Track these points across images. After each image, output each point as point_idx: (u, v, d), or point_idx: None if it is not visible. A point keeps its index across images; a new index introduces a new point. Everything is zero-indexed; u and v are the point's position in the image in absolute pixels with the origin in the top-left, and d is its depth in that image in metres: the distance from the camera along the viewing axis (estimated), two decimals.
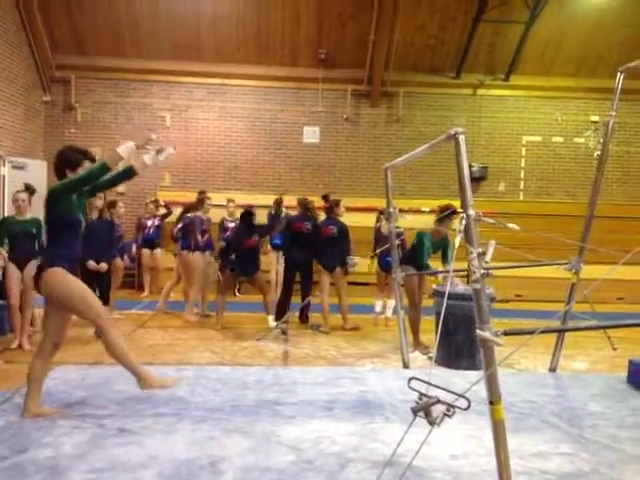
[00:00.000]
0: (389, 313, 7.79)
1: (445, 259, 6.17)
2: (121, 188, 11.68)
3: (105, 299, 6.58)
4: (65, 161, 3.67)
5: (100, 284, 6.50)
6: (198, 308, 8.01)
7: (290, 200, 9.35)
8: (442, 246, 6.16)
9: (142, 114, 11.77)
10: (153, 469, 2.81)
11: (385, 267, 7.46)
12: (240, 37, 11.31)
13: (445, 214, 5.85)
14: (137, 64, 11.47)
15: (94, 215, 6.47)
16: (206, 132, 11.84)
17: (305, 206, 7.67)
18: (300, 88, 11.94)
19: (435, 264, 6.18)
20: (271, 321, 7.20)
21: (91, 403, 3.81)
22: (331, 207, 7.57)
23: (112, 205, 7.45)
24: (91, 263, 6.29)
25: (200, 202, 8.08)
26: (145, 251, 9.83)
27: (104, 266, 6.40)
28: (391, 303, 7.82)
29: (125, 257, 8.10)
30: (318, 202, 8.55)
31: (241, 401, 3.90)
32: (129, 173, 3.79)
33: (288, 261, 7.42)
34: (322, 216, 7.83)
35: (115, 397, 3.94)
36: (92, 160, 3.74)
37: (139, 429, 3.34)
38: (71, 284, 3.46)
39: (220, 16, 10.96)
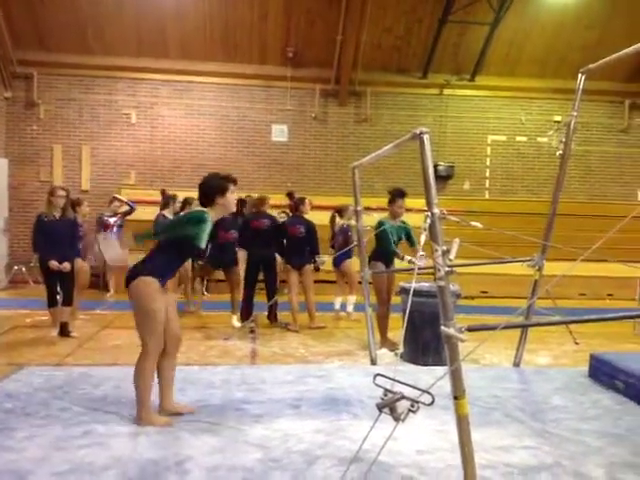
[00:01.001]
0: (349, 309, 7.84)
1: (411, 244, 6.23)
2: (85, 186, 11.50)
3: (68, 300, 6.47)
4: (214, 188, 3.58)
5: (63, 284, 6.38)
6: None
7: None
8: (404, 231, 6.22)
9: (107, 111, 11.59)
10: (117, 470, 2.77)
11: (337, 264, 7.52)
12: (207, 34, 11.22)
13: (394, 194, 6.04)
14: (102, 60, 11.29)
15: (57, 214, 6.32)
16: (172, 130, 11.72)
17: (256, 203, 7.65)
18: (268, 86, 11.91)
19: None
20: (235, 320, 7.18)
21: (55, 405, 3.74)
22: (296, 205, 7.56)
23: (77, 204, 7.30)
24: (53, 263, 6.16)
25: (166, 202, 8.04)
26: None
27: (67, 266, 6.27)
28: (351, 299, 7.87)
29: (90, 256, 7.95)
30: (286, 200, 8.55)
31: (208, 401, 3.87)
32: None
33: (249, 259, 7.37)
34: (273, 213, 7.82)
35: (79, 399, 3.87)
36: (235, 183, 3.63)
37: (104, 431, 3.28)
38: (154, 299, 3.40)
39: (186, 12, 10.84)
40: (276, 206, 9.17)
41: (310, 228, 7.34)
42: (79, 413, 3.58)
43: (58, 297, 6.44)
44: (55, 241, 6.24)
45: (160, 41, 11.16)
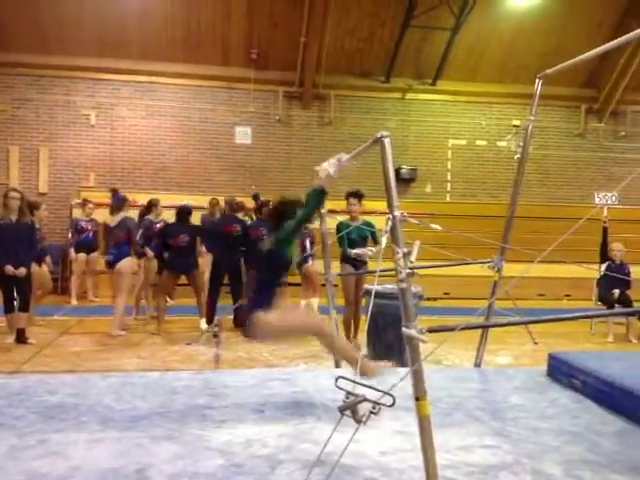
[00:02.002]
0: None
1: (377, 244, 6.29)
2: (43, 189, 11.23)
3: (25, 306, 6.31)
4: (287, 213, 3.59)
5: (20, 290, 6.22)
6: (142, 312, 7.91)
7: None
8: (369, 232, 6.29)
9: (66, 112, 11.35)
10: None
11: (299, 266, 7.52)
12: (169, 34, 11.09)
13: (346, 195, 6.40)
14: (61, 60, 11.06)
15: (13, 217, 6.16)
16: (133, 131, 11.54)
17: (233, 207, 7.60)
18: (231, 88, 11.84)
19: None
20: (203, 324, 7.10)
21: (9, 413, 3.62)
22: (260, 208, 7.54)
23: (35, 207, 7.09)
24: (9, 268, 5.99)
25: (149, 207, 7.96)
26: (81, 255, 9.37)
27: (23, 271, 6.11)
28: (314, 301, 7.88)
29: (48, 261, 7.72)
30: (251, 203, 8.50)
31: (169, 407, 3.81)
32: (322, 196, 3.52)
33: (215, 263, 7.31)
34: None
35: (35, 407, 3.75)
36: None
37: (61, 439, 3.20)
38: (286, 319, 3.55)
39: (148, 12, 10.71)
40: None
41: (244, 230, 7.35)
42: (35, 421, 3.48)
43: (15, 303, 6.26)
44: (10, 245, 6.07)
45: (121, 41, 10.98)
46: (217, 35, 11.30)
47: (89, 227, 9.40)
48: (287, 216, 3.59)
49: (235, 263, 7.32)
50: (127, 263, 6.88)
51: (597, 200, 7.89)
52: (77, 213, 9.83)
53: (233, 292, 7.41)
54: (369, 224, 6.33)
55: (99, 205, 9.41)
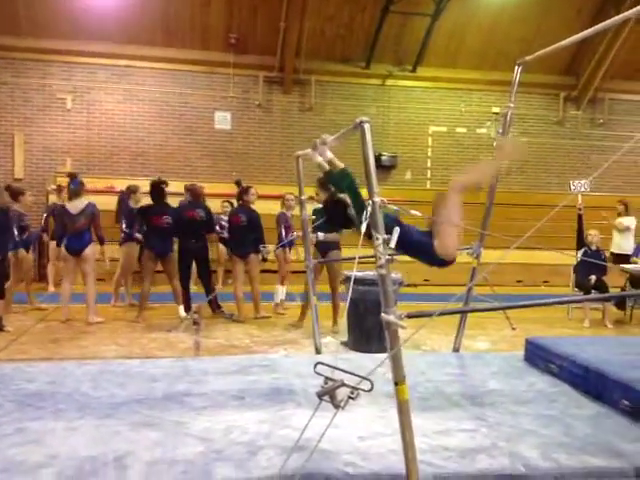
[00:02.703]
0: (277, 299, 7.84)
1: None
2: (19, 174, 11.03)
3: (1, 293, 6.21)
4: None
5: None
6: (120, 299, 7.84)
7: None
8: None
9: (41, 96, 11.13)
10: (53, 468, 2.68)
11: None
12: (147, 17, 10.90)
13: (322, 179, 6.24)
14: (34, 43, 10.81)
15: None
16: (110, 116, 11.36)
17: (195, 193, 7.52)
18: (211, 72, 11.71)
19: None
20: (182, 311, 7.06)
21: None
22: (240, 194, 7.50)
23: (19, 193, 6.96)
24: None
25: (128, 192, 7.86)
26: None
27: None
28: (280, 288, 7.86)
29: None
30: (232, 189, 8.45)
31: (149, 394, 3.79)
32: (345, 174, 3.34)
33: (181, 250, 7.24)
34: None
35: (12, 395, 3.71)
36: None
37: (38, 427, 3.16)
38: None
39: None
40: (222, 195, 9.07)
41: (252, 217, 7.28)
42: (11, 410, 3.44)
43: None
44: None
45: (97, 23, 10.75)
46: (196, 19, 11.14)
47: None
48: (338, 210, 3.41)
49: (201, 249, 7.25)
50: (92, 249, 6.91)
51: (572, 188, 7.94)
52: (53, 199, 9.65)
53: (202, 278, 7.40)
54: None
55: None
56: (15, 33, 10.67)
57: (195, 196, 7.47)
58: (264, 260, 7.50)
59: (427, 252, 3.20)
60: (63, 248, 7.02)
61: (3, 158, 11.04)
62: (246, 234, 7.23)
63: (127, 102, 11.44)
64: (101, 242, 7.06)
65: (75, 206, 6.92)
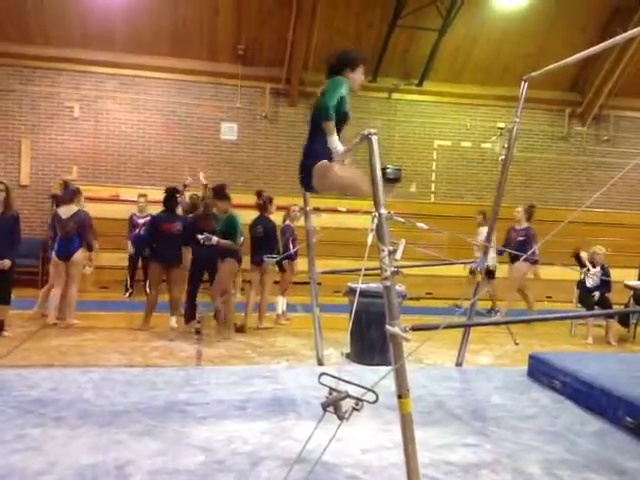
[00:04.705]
0: (279, 310, 7.83)
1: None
2: (25, 181, 11.08)
3: (6, 297, 6.26)
4: (347, 59, 3.56)
5: (1, 281, 6.19)
6: None
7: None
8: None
9: (48, 104, 11.19)
10: (54, 476, 2.67)
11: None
12: (155, 28, 10.98)
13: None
14: (44, 51, 10.89)
15: None
16: (117, 125, 11.41)
17: (204, 204, 7.58)
18: (218, 83, 11.76)
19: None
20: (173, 322, 7.07)
21: None
22: (265, 205, 7.56)
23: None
24: None
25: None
26: None
27: (7, 263, 6.11)
28: (280, 299, 7.87)
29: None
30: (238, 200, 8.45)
31: (150, 403, 3.78)
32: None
33: (194, 259, 7.26)
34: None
35: (14, 401, 3.71)
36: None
37: (39, 434, 3.16)
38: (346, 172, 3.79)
39: (135, 4, 10.59)
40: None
41: (268, 228, 7.37)
42: (13, 416, 3.44)
43: None
44: None
45: (106, 34, 10.85)
46: (204, 30, 11.22)
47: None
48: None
49: (213, 259, 7.26)
50: (80, 254, 7.05)
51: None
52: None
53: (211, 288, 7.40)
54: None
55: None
56: (24, 41, 10.76)
57: (204, 207, 7.51)
58: (282, 270, 7.58)
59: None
60: (53, 253, 7.10)
61: (10, 165, 11.10)
62: (262, 244, 7.29)
63: (134, 111, 11.51)
64: (89, 248, 7.16)
65: (66, 212, 7.06)
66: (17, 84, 11.07)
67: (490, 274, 8.59)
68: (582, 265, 7.96)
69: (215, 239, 6.62)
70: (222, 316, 6.91)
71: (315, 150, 3.54)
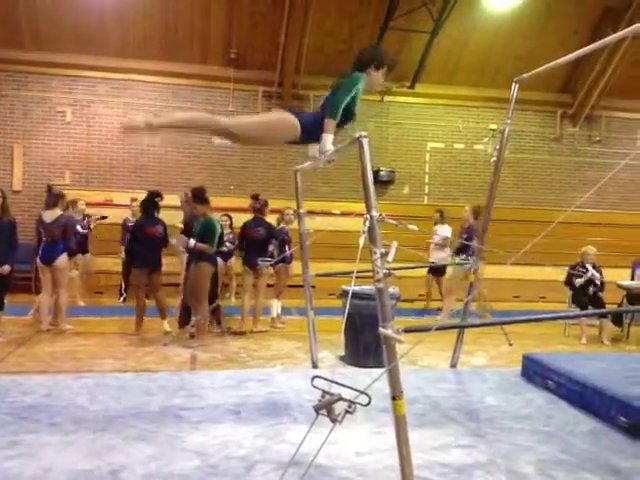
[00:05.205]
0: (274, 313, 7.83)
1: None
2: (17, 186, 11.04)
3: (1, 303, 6.26)
4: (375, 55, 3.58)
5: None
6: None
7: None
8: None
9: (41, 108, 11.16)
10: None
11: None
12: (147, 31, 10.98)
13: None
14: (36, 56, 10.86)
15: None
16: (110, 129, 11.37)
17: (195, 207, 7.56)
18: (210, 87, 11.76)
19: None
20: (166, 325, 7.05)
21: None
22: (262, 208, 7.58)
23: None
24: None
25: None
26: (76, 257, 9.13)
27: (6, 268, 6.17)
28: (275, 303, 7.86)
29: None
30: (229, 203, 8.47)
31: (144, 408, 3.77)
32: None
33: (189, 263, 7.25)
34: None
35: (7, 407, 3.69)
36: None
37: (33, 440, 3.15)
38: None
39: (126, 9, 10.58)
40: (221, 209, 9.10)
41: (271, 230, 7.40)
42: (7, 422, 3.42)
43: None
44: None
45: (98, 38, 10.83)
46: (196, 33, 11.22)
47: (83, 230, 9.23)
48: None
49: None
50: (64, 258, 7.01)
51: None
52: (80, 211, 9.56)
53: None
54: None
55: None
56: (16, 46, 10.73)
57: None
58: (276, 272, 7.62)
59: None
60: (38, 258, 7.09)
61: (2, 170, 11.05)
62: (263, 246, 7.30)
63: (127, 115, 11.45)
64: (70, 253, 7.18)
65: (49, 216, 7.04)
66: (9, 89, 11.04)
67: (438, 271, 8.88)
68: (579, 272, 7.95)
69: (192, 242, 6.56)
70: (201, 322, 6.76)
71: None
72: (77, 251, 9.06)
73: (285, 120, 3.41)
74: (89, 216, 9.13)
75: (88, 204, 9.43)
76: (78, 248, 9.04)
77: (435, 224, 9.33)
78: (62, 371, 5.12)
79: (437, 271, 9.27)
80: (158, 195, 7.24)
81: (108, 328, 7.32)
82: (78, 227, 9.08)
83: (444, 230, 9.00)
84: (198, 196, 6.88)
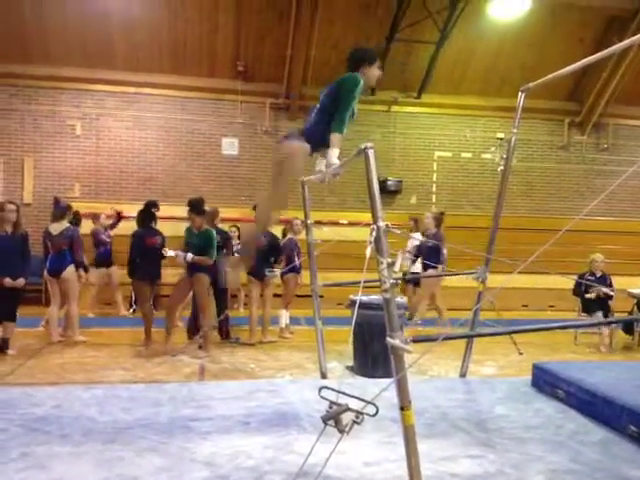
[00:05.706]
0: (282, 323, 7.83)
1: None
2: (28, 199, 11.15)
3: (14, 315, 6.32)
4: (366, 55, 3.62)
5: (9, 299, 6.28)
6: None
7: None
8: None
9: (50, 122, 11.28)
10: None
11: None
12: (155, 45, 11.09)
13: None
14: (45, 71, 10.99)
15: (8, 229, 6.25)
16: (119, 142, 11.48)
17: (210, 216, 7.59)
18: (218, 99, 11.85)
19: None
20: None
21: None
22: None
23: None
24: (7, 280, 6.11)
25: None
26: (101, 270, 9.21)
27: (21, 282, 6.26)
28: (284, 313, 7.87)
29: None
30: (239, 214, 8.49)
31: (154, 419, 3.78)
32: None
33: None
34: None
35: (18, 419, 3.72)
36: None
37: (43, 452, 3.16)
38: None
39: (134, 23, 10.70)
40: (229, 220, 9.16)
41: (274, 241, 7.41)
42: (18, 434, 3.45)
43: None
44: (6, 257, 6.15)
45: (107, 52, 10.95)
46: (204, 47, 11.33)
47: (106, 239, 9.31)
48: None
49: (215, 273, 7.26)
50: (71, 270, 7.05)
51: None
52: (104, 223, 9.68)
53: (216, 303, 7.37)
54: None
55: (84, 216, 9.33)
56: (26, 61, 10.87)
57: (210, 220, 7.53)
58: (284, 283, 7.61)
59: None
60: (45, 270, 7.13)
61: (13, 183, 11.17)
62: (265, 257, 7.31)
63: (135, 128, 11.58)
64: (76, 266, 7.17)
65: (56, 228, 7.10)
66: (19, 104, 11.17)
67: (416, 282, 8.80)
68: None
69: (190, 256, 6.52)
70: (207, 332, 6.75)
71: (318, 130, 3.69)
72: (102, 264, 9.18)
73: (301, 153, 3.60)
74: (109, 226, 9.32)
75: (98, 216, 9.55)
76: (103, 261, 9.17)
77: (409, 231, 9.28)
78: (72, 382, 5.15)
79: (415, 281, 9.12)
80: (155, 205, 7.20)
81: (118, 339, 7.35)
82: (103, 237, 9.19)
83: (416, 239, 8.88)
84: (195, 207, 6.77)
